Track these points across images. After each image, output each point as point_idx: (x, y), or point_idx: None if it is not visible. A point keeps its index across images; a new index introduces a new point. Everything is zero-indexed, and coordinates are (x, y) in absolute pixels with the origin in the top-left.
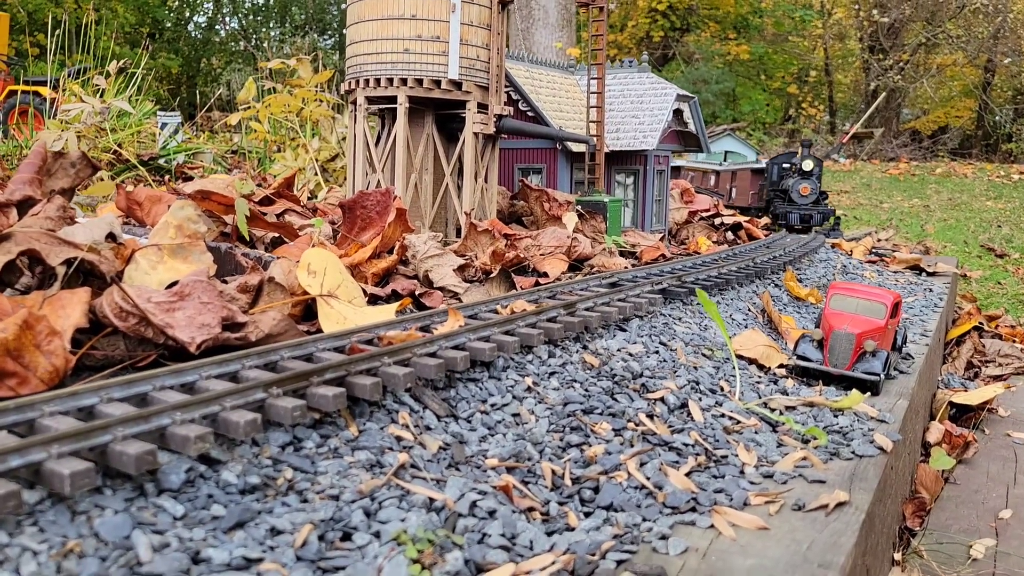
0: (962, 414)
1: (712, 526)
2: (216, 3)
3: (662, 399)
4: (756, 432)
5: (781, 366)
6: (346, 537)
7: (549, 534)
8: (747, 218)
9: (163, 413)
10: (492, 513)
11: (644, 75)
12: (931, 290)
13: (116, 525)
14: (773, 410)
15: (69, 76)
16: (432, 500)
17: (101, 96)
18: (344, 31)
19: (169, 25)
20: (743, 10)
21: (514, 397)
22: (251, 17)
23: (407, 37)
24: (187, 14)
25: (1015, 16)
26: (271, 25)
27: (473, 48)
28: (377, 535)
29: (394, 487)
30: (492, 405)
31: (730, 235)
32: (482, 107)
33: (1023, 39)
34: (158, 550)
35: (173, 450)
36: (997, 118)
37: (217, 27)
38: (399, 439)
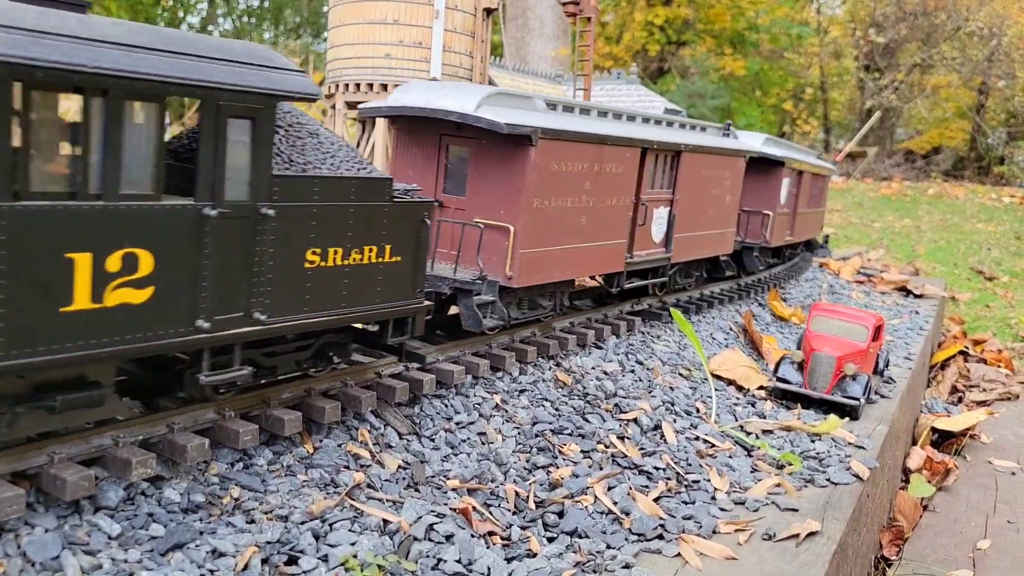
0: (944, 439)
1: (679, 554)
2: (210, 4)
3: (635, 420)
4: (730, 456)
5: (760, 387)
6: (291, 561)
7: (509, 560)
8: None
9: None
10: (449, 537)
11: (633, 87)
12: (917, 312)
13: (45, 544)
14: (749, 434)
15: None
16: (387, 522)
17: None
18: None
19: (163, 25)
20: (739, 25)
21: (481, 415)
22: (245, 19)
23: (389, 42)
24: (181, 15)
25: (1009, 40)
26: (264, 27)
27: (456, 55)
28: (325, 559)
29: (348, 508)
30: (457, 423)
31: None
32: None
33: (1017, 62)
34: (88, 572)
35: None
36: (990, 140)
37: (210, 28)
38: (357, 457)
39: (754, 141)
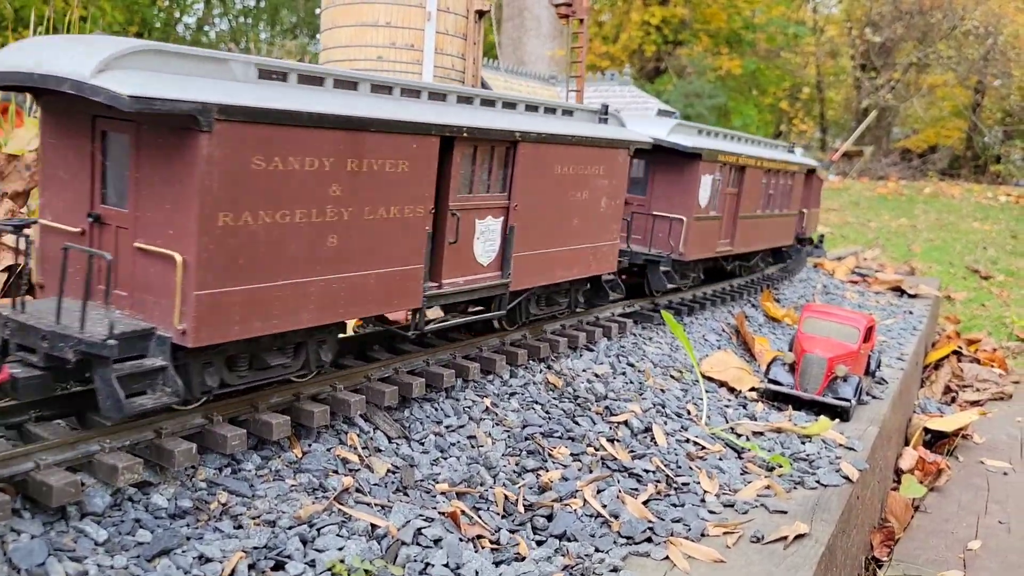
0: (937, 440)
1: (667, 558)
2: (206, 4)
3: (625, 423)
4: (720, 458)
5: (752, 389)
6: (279, 567)
7: (497, 564)
8: None
9: None
10: (438, 541)
11: (626, 88)
12: (911, 312)
13: (31, 551)
14: (739, 436)
15: None
16: (375, 527)
17: None
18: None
19: (158, 25)
20: (736, 25)
21: (471, 418)
22: (241, 19)
23: (381, 45)
24: (177, 15)
25: (1005, 39)
26: (260, 28)
27: (448, 57)
28: (312, 564)
29: (336, 512)
30: (447, 427)
31: None
32: None
33: (1013, 61)
34: None
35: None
36: (986, 139)
37: (206, 28)
38: (345, 461)
39: (654, 128)
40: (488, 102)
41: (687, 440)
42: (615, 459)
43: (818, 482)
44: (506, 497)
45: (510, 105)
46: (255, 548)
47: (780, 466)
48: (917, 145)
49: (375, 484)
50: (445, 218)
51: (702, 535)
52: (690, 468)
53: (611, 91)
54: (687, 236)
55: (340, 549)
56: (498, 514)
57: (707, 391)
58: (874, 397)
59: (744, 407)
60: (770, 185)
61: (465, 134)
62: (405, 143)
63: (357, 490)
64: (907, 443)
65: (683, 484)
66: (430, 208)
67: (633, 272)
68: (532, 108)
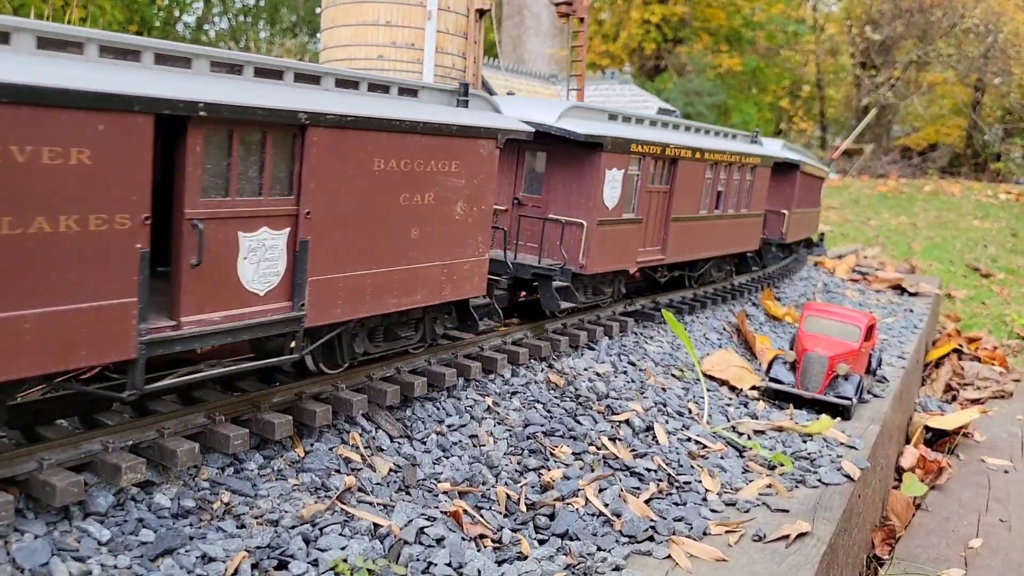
0: (938, 438)
1: (669, 556)
2: (206, 3)
3: (627, 421)
4: (722, 457)
5: (753, 388)
6: (282, 566)
7: (499, 563)
8: None
9: None
10: (440, 541)
11: (626, 87)
12: (912, 311)
13: (34, 551)
14: (741, 434)
15: None
16: (377, 526)
17: None
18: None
19: (158, 24)
20: (736, 23)
21: (472, 418)
22: (240, 18)
23: (381, 44)
24: (176, 14)
25: (1005, 36)
26: (260, 26)
27: (449, 56)
28: (315, 563)
29: (338, 512)
30: (449, 426)
31: None
32: None
33: (1012, 59)
34: None
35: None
36: (986, 137)
37: (206, 27)
38: (348, 461)
39: (540, 111)
40: (270, 72)
41: (689, 439)
42: (617, 458)
43: (820, 480)
44: (508, 496)
45: (310, 78)
46: (258, 547)
47: (782, 465)
48: (917, 143)
49: (377, 483)
50: (181, 232)
51: (704, 534)
52: (692, 467)
53: (612, 89)
54: (589, 244)
55: (343, 548)
56: (500, 513)
57: (708, 390)
58: (875, 395)
59: (745, 406)
60: (718, 181)
61: (203, 112)
62: (81, 122)
63: (359, 489)
64: (908, 441)
65: (685, 483)
66: (144, 217)
67: (534, 287)
68: (348, 84)
